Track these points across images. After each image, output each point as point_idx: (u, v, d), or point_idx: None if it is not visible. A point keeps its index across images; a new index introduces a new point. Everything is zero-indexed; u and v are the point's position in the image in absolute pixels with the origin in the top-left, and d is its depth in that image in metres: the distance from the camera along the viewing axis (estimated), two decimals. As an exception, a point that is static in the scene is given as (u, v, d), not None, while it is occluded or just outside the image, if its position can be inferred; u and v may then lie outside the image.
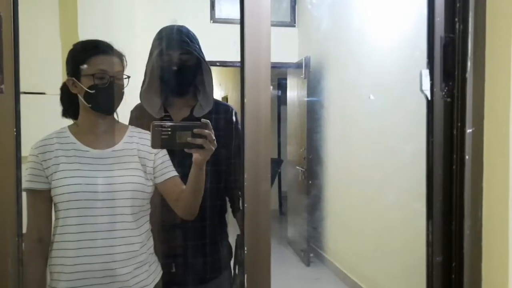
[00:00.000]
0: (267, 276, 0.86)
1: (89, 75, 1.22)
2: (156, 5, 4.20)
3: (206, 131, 1.12)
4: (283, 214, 5.89)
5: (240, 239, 1.59)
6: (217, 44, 3.32)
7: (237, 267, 1.61)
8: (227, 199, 1.66)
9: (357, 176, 3.67)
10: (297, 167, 4.65)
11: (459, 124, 0.92)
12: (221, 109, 1.59)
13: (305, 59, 4.38)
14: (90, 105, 1.24)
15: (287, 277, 4.05)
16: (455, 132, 0.93)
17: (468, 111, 0.91)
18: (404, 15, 2.95)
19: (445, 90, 0.93)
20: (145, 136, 1.32)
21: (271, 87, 0.88)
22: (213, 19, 4.61)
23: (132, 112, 1.59)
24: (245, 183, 0.84)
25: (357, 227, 3.70)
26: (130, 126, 1.37)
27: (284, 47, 4.82)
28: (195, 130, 1.12)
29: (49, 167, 1.23)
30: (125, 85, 1.28)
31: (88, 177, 1.21)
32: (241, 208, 0.88)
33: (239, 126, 1.58)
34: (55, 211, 1.24)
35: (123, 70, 1.29)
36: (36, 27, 3.14)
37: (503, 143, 0.88)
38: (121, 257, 1.22)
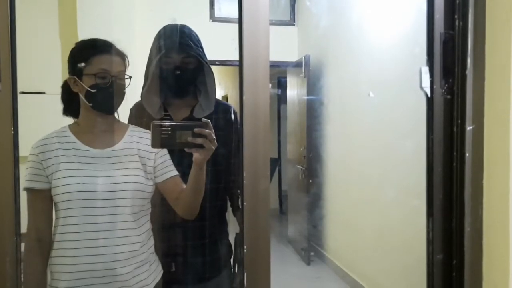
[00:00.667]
0: (267, 275, 0.86)
1: (91, 74, 1.22)
2: (155, 4, 4.19)
3: (207, 130, 1.12)
4: (283, 213, 5.90)
5: (239, 238, 1.59)
6: (216, 43, 3.31)
7: (236, 265, 1.61)
8: (227, 198, 1.65)
9: (357, 174, 3.67)
10: (297, 165, 4.64)
11: (459, 121, 0.92)
12: (221, 108, 1.58)
13: (304, 57, 4.37)
14: (91, 105, 1.24)
15: (287, 275, 4.05)
16: (455, 129, 0.93)
17: (468, 108, 0.90)
18: (404, 11, 2.94)
19: (445, 87, 0.93)
20: (146, 136, 1.32)
21: (270, 85, 0.87)
22: (213, 18, 4.61)
23: (131, 110, 1.59)
24: (244, 182, 0.84)
25: (358, 225, 3.70)
26: (130, 126, 1.37)
27: (283, 45, 4.81)
28: (195, 130, 1.11)
29: (49, 166, 1.22)
30: (126, 85, 1.28)
31: (88, 176, 1.21)
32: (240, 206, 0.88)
33: (238, 125, 1.57)
34: (56, 211, 1.24)
35: (125, 70, 1.28)
36: (36, 27, 3.14)
37: (504, 140, 0.88)
38: (121, 256, 1.21)
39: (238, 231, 1.58)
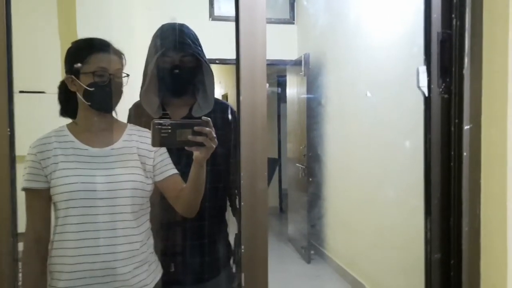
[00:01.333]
0: (265, 274, 0.86)
1: (89, 73, 1.22)
2: (155, 3, 4.18)
3: (207, 129, 1.11)
4: (283, 212, 5.90)
5: (238, 238, 1.58)
6: (216, 42, 3.31)
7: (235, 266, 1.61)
8: (226, 198, 1.65)
9: (357, 173, 3.67)
10: (297, 164, 4.64)
11: (456, 121, 0.92)
12: (219, 107, 1.57)
13: (304, 56, 4.36)
14: (89, 103, 1.24)
15: (287, 274, 4.05)
16: (452, 129, 0.93)
17: (465, 107, 0.90)
18: (402, 11, 2.94)
19: (443, 87, 0.93)
20: (145, 134, 1.32)
21: (267, 85, 0.87)
22: (212, 16, 4.60)
23: (130, 110, 1.58)
24: (242, 181, 0.84)
25: (357, 224, 3.70)
26: (129, 124, 1.36)
27: (283, 44, 4.81)
28: (195, 128, 1.11)
29: (47, 166, 1.22)
30: (124, 83, 1.28)
31: (87, 175, 1.21)
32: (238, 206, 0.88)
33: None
34: (55, 210, 1.24)
35: (122, 69, 1.28)
36: (35, 26, 3.13)
37: (501, 139, 0.88)
38: (121, 256, 1.21)
39: (237, 232, 1.58)
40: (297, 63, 4.57)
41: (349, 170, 3.84)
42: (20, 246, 0.87)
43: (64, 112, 1.32)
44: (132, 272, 1.23)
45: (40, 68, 3.06)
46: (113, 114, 1.32)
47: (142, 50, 1.57)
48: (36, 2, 3.19)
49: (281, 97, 6.07)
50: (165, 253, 1.41)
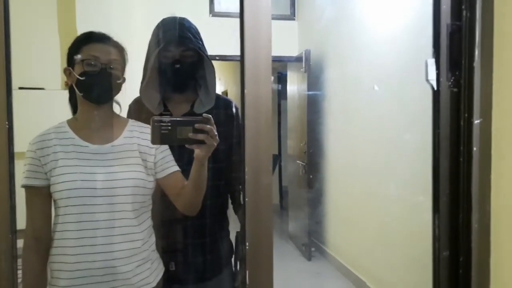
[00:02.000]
0: (269, 272, 0.84)
1: (80, 61, 1.20)
2: (154, -1, 4.16)
3: (208, 126, 1.09)
4: (284, 209, 5.89)
5: (240, 236, 1.57)
6: (216, 38, 3.29)
7: (238, 263, 1.59)
8: (228, 195, 1.63)
9: (359, 170, 3.66)
10: (298, 161, 4.63)
11: (466, 115, 0.90)
12: (222, 103, 1.55)
13: (305, 52, 4.34)
14: (81, 94, 1.22)
15: (288, 271, 4.04)
16: (462, 123, 0.91)
17: (475, 101, 0.88)
18: (407, 1, 2.91)
19: (452, 80, 0.91)
20: (146, 131, 1.30)
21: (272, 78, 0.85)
22: (212, 12, 4.57)
23: (130, 106, 1.56)
24: (246, 177, 0.82)
25: (359, 221, 3.69)
26: (130, 120, 1.34)
27: (284, 40, 4.79)
28: (196, 125, 1.08)
29: (47, 163, 1.20)
30: (120, 76, 1.25)
31: (88, 173, 1.19)
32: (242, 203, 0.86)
33: (240, 121, 1.55)
34: (55, 208, 1.22)
35: (119, 60, 1.25)
36: (34, 22, 3.12)
37: (512, 134, 0.86)
38: (122, 254, 1.19)
39: (238, 230, 1.56)
40: (298, 59, 4.55)
41: (351, 167, 3.83)
42: (20, 242, 0.84)
43: (74, 113, 1.31)
44: (134, 271, 1.21)
45: (39, 65, 3.04)
46: (116, 109, 1.31)
47: (142, 46, 1.55)
48: (35, -1, 3.18)
49: (282, 94, 6.05)
50: (166, 251, 1.40)
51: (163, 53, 1.42)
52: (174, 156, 1.32)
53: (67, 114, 1.32)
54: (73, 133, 1.25)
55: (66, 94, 1.33)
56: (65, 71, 1.25)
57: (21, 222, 1.01)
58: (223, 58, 4.38)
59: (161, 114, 1.47)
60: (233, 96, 5.92)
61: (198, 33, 1.48)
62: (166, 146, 1.31)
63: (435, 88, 0.91)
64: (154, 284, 1.27)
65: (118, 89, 1.26)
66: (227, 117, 1.54)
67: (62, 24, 3.21)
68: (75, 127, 1.26)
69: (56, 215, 1.22)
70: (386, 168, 3.19)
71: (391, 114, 3.08)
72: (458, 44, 0.90)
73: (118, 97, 1.30)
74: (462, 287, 0.91)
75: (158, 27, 1.47)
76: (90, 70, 1.20)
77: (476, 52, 0.88)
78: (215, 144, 1.12)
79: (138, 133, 1.30)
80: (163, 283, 1.32)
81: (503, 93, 0.87)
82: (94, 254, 1.17)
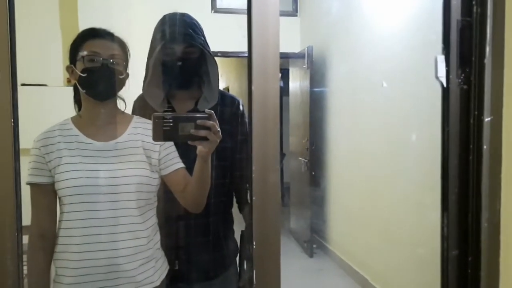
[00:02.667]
0: (277, 271, 0.83)
1: (81, 58, 1.19)
2: (156, -5, 4.14)
3: (210, 122, 1.08)
4: (285, 206, 5.88)
5: (245, 235, 1.56)
6: (218, 35, 3.27)
7: (243, 262, 1.58)
8: (232, 194, 1.62)
9: (363, 167, 3.64)
10: (300, 158, 4.62)
11: (476, 113, 0.89)
12: (227, 101, 1.54)
13: (307, 48, 4.33)
14: (84, 90, 1.21)
15: (290, 268, 4.04)
16: (472, 121, 0.89)
17: (486, 98, 0.87)
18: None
19: (462, 77, 0.89)
20: (150, 127, 1.29)
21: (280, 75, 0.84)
22: (214, 8, 4.55)
23: (135, 102, 1.55)
24: (253, 175, 0.81)
25: (362, 218, 3.68)
26: (134, 117, 1.33)
27: (286, 36, 4.76)
28: (198, 122, 1.07)
29: (51, 160, 1.19)
30: (123, 72, 1.24)
31: (92, 170, 1.18)
32: (248, 201, 0.85)
33: (245, 119, 1.53)
34: (60, 205, 1.22)
35: (121, 56, 1.24)
36: (36, 19, 3.11)
37: (523, 132, 0.85)
38: (127, 252, 1.19)
39: (243, 228, 1.56)
40: (300, 55, 4.53)
41: (355, 164, 3.81)
42: (25, 239, 0.84)
43: (80, 111, 1.30)
44: (138, 269, 1.20)
45: (41, 61, 3.03)
46: (120, 106, 1.30)
47: (144, 43, 1.54)
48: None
49: (283, 90, 6.03)
50: (171, 249, 1.39)
51: (165, 50, 1.41)
52: (178, 152, 1.32)
53: (70, 110, 1.32)
54: (77, 130, 1.24)
55: (68, 90, 1.32)
56: (67, 68, 1.24)
57: (26, 218, 1.00)
58: (225, 54, 4.36)
59: (164, 112, 1.46)
60: (235, 92, 5.91)
61: (201, 29, 1.47)
62: (171, 143, 1.31)
63: (445, 85, 0.90)
64: (158, 283, 1.27)
65: (121, 84, 1.25)
66: (232, 115, 1.53)
67: (64, 20, 3.20)
68: (79, 124, 1.25)
69: (61, 212, 1.21)
70: (392, 165, 3.17)
71: (398, 111, 3.06)
72: (468, 41, 0.89)
73: (122, 93, 1.29)
74: (471, 287, 0.90)
75: (159, 24, 1.45)
76: (91, 66, 1.19)
77: (487, 49, 0.86)
78: (218, 140, 1.11)
79: (142, 130, 1.29)
80: (167, 282, 1.32)
81: (514, 91, 0.86)
82: (99, 251, 1.17)
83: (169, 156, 1.29)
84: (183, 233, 1.47)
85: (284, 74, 5.35)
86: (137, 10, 3.60)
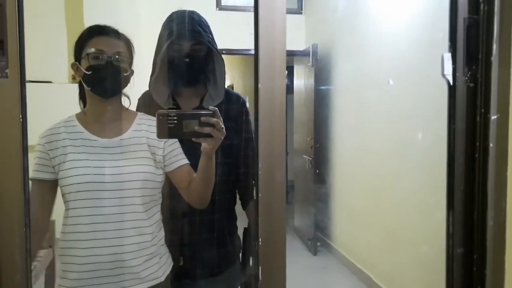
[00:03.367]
0: (283, 268, 0.84)
1: (86, 55, 1.20)
2: (161, -8, 4.14)
3: (214, 119, 1.08)
4: (289, 203, 5.88)
5: (248, 232, 1.57)
6: (223, 32, 3.27)
7: (246, 259, 1.59)
8: (236, 191, 1.62)
9: (368, 165, 3.64)
10: (304, 156, 4.62)
11: (482, 111, 0.88)
12: (232, 99, 1.54)
13: (312, 46, 4.32)
14: (89, 88, 1.22)
15: (294, 266, 4.04)
16: (478, 119, 0.89)
17: (492, 96, 0.87)
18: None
19: (468, 75, 0.89)
20: (154, 124, 1.29)
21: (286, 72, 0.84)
22: (219, 6, 4.55)
23: (139, 99, 1.56)
24: (259, 173, 0.81)
25: (366, 216, 3.68)
26: (139, 113, 1.34)
27: (290, 34, 4.72)
28: (202, 119, 1.08)
29: (56, 157, 1.20)
30: (128, 69, 1.24)
31: (97, 167, 1.19)
32: (252, 199, 0.85)
33: (250, 118, 1.54)
34: (64, 202, 1.22)
35: (126, 53, 1.24)
36: (42, 16, 3.12)
37: (529, 131, 0.85)
38: (131, 248, 1.19)
39: (246, 226, 1.56)
40: (305, 53, 4.52)
41: (360, 162, 3.81)
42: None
43: (84, 107, 1.31)
44: (143, 265, 1.21)
45: (47, 58, 3.05)
46: (124, 103, 1.30)
47: (151, 39, 1.54)
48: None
49: (288, 88, 6.02)
50: (175, 246, 1.40)
51: (172, 47, 1.42)
52: (183, 149, 1.32)
53: (74, 107, 1.32)
54: (82, 127, 1.24)
55: (73, 87, 1.33)
56: (72, 66, 1.25)
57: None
58: (230, 52, 4.36)
59: (170, 109, 1.46)
60: (240, 90, 5.91)
61: (208, 27, 1.47)
62: (176, 139, 1.31)
63: (451, 83, 0.90)
64: (163, 278, 1.27)
65: (126, 82, 1.25)
66: (237, 113, 1.53)
67: (70, 17, 3.21)
68: (84, 121, 1.26)
69: (66, 209, 1.22)
70: (397, 164, 3.17)
71: (403, 109, 3.05)
72: (475, 38, 0.88)
73: (126, 90, 1.30)
74: (476, 285, 0.90)
75: (167, 20, 1.46)
76: (96, 63, 1.19)
77: (494, 46, 0.86)
78: (222, 137, 1.11)
79: (147, 126, 1.30)
80: (171, 278, 1.32)
81: (521, 89, 0.85)
82: (104, 247, 1.17)
83: (173, 153, 1.29)
84: (187, 229, 1.47)
85: (289, 72, 5.34)
86: (142, 8, 3.61)
